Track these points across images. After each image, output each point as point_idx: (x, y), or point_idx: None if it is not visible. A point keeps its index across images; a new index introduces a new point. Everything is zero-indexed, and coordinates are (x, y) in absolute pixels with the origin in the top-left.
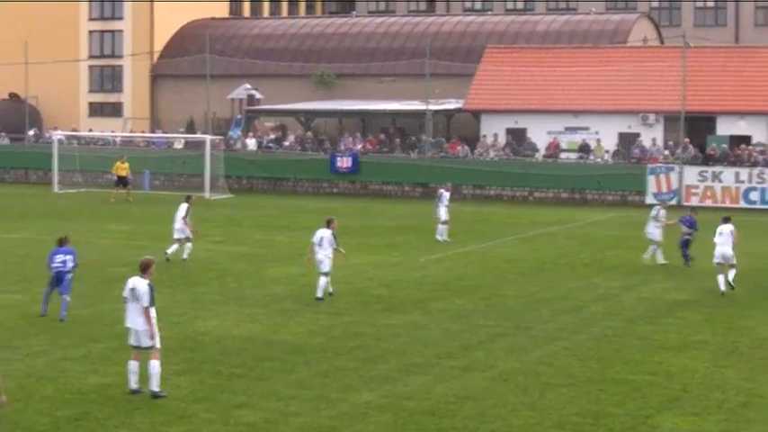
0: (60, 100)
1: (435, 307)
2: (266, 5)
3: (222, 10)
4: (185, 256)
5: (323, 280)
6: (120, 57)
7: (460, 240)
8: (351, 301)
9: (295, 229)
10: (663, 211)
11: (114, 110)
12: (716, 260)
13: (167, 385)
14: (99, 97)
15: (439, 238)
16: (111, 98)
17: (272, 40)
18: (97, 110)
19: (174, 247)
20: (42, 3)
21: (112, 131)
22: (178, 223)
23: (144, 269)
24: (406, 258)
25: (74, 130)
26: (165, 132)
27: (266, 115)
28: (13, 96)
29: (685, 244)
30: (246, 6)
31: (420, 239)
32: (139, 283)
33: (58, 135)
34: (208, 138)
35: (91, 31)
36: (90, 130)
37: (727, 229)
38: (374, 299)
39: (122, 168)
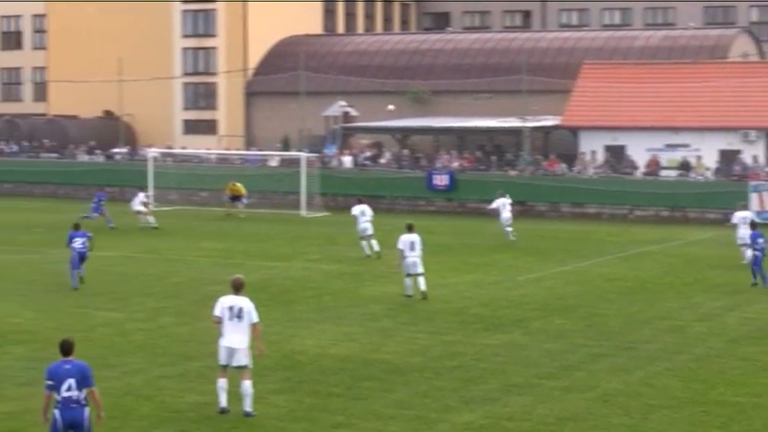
0: (155, 117)
1: (535, 326)
2: (360, 22)
3: (316, 26)
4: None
5: (410, 281)
6: (214, 74)
7: (560, 259)
8: (450, 321)
9: (392, 247)
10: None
11: (209, 127)
12: None
13: (264, 404)
14: (193, 114)
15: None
16: (206, 115)
17: (367, 56)
18: (192, 127)
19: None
20: (135, 19)
21: (207, 149)
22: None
23: (239, 288)
24: (504, 277)
25: (168, 147)
26: (260, 150)
27: (362, 132)
28: (108, 114)
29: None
30: (340, 23)
31: (518, 258)
32: (244, 302)
33: (152, 152)
34: (303, 155)
35: (184, 48)
36: (184, 148)
37: None
38: (473, 318)
39: (235, 190)
